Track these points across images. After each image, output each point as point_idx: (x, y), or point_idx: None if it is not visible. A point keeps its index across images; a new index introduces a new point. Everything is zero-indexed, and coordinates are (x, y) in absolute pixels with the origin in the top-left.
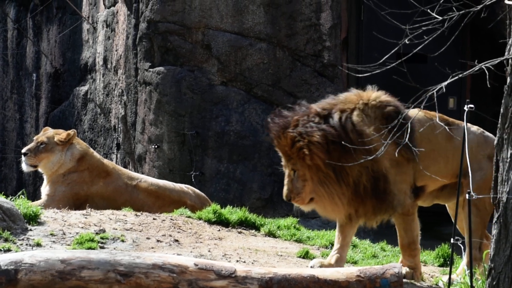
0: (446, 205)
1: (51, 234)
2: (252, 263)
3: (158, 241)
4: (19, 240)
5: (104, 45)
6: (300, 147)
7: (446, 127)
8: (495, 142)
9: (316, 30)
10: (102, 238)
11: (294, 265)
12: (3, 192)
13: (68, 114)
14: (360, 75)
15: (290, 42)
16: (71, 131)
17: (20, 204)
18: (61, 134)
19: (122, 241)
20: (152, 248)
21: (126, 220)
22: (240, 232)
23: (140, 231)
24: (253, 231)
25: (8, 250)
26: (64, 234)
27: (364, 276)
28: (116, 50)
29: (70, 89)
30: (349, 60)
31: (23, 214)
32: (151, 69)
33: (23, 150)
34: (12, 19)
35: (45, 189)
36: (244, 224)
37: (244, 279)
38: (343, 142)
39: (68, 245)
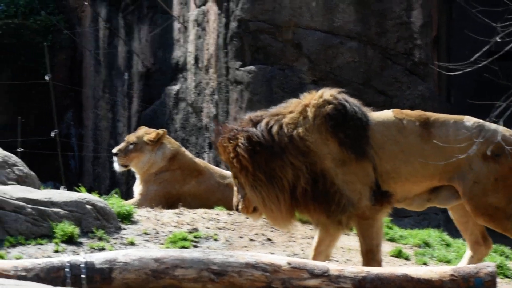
0: (450, 213)
1: (145, 233)
2: (345, 262)
3: (251, 240)
4: (113, 238)
5: (195, 44)
6: (228, 152)
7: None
8: None
9: (407, 28)
10: (195, 237)
11: (387, 264)
12: (96, 191)
13: (160, 113)
14: (451, 73)
15: (380, 40)
16: (161, 131)
17: (114, 203)
18: (151, 134)
19: (215, 240)
20: (245, 247)
21: (218, 219)
22: None
23: (233, 230)
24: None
25: (102, 248)
26: (158, 233)
27: (458, 275)
28: (207, 49)
29: (161, 88)
30: (440, 58)
31: (116, 213)
32: (242, 68)
33: (114, 151)
34: (103, 18)
35: (137, 188)
36: None
37: (337, 278)
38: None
39: (162, 244)
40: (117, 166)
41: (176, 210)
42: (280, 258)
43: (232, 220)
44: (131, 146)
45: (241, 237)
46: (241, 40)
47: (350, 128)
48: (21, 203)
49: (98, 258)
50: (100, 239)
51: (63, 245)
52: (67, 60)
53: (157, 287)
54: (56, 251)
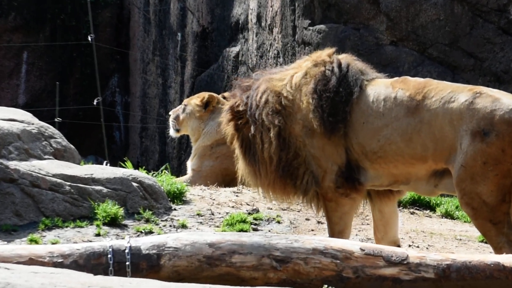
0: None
1: (198, 214)
2: (427, 248)
3: (318, 222)
4: (162, 221)
5: (258, 1)
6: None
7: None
8: None
9: None
10: (255, 219)
11: (475, 251)
12: (144, 167)
13: (217, 79)
14: None
15: None
16: (206, 94)
17: (163, 180)
18: (199, 97)
19: (278, 222)
20: (312, 230)
21: None
22: (412, 213)
23: (298, 211)
24: (428, 211)
25: (150, 232)
26: (213, 214)
27: None
28: (271, 6)
29: (219, 50)
30: None
31: (166, 191)
32: (310, 27)
33: (169, 112)
34: None
35: (191, 163)
36: (417, 204)
37: (418, 266)
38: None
39: (217, 226)
40: (171, 130)
41: (234, 189)
42: (352, 243)
43: None
44: (182, 108)
45: (307, 219)
46: None
47: (328, 99)
48: (59, 180)
49: (145, 243)
50: (148, 221)
51: (106, 228)
52: (112, 18)
53: (211, 276)
54: (98, 235)
